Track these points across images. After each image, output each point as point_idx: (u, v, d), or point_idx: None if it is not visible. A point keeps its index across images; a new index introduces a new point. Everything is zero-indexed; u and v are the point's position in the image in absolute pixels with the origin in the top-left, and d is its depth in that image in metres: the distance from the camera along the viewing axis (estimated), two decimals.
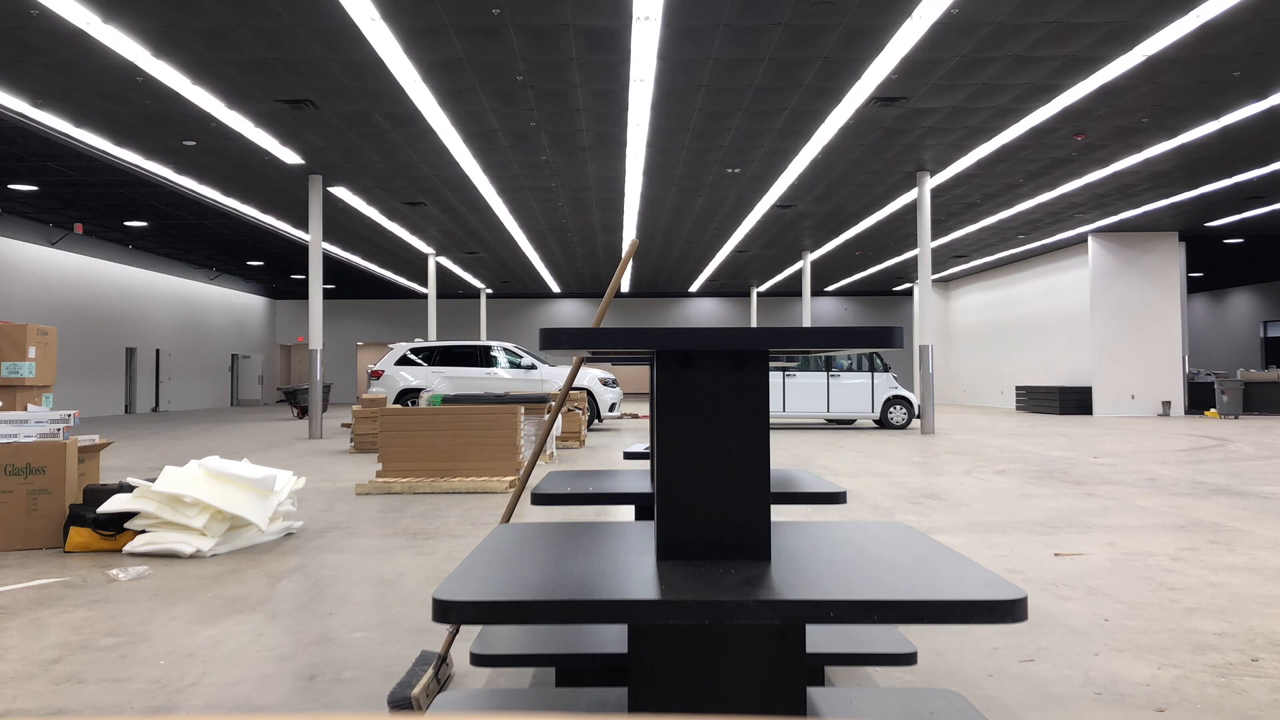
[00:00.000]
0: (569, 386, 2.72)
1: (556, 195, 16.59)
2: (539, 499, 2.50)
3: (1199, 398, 21.96)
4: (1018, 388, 24.28)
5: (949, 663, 2.81)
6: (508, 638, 2.16)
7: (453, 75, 10.07)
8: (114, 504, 4.76)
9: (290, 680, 2.69)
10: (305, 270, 29.04)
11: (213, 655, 2.94)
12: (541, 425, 9.73)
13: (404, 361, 16.20)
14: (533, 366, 16.07)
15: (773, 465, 9.46)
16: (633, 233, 20.70)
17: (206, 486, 4.79)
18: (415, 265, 26.07)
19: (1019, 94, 10.91)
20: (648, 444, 3.58)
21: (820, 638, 2.15)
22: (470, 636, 3.12)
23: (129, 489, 4.97)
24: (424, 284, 30.64)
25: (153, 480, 4.88)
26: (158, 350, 26.61)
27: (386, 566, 4.38)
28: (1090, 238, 21.63)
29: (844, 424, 18.33)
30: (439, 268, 26.75)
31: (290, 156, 13.64)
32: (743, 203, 17.44)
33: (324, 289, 34.25)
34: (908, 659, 2.04)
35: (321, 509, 6.42)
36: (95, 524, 4.81)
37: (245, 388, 32.86)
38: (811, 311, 34.61)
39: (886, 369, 16.49)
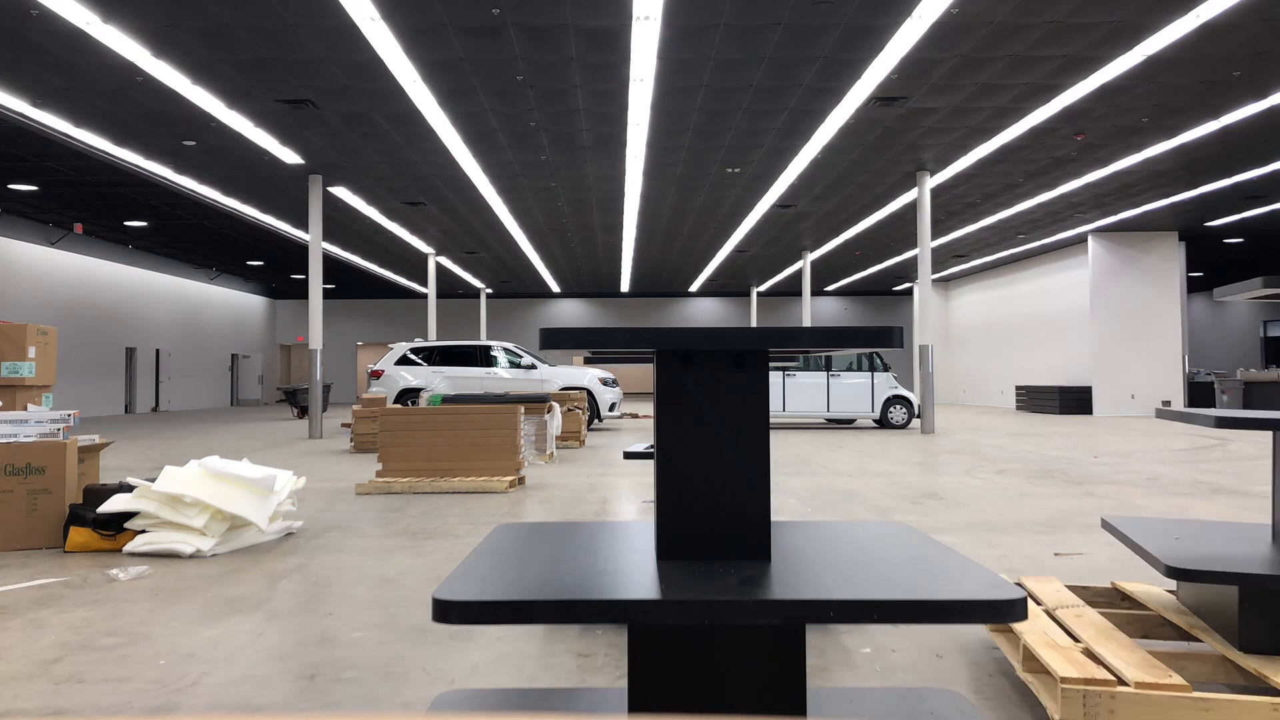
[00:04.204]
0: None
1: (556, 195, 16.59)
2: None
3: (1199, 397, 21.96)
4: (1018, 387, 24.28)
5: (949, 663, 2.81)
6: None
7: (453, 75, 10.07)
8: (114, 504, 4.76)
9: (290, 680, 2.69)
10: (305, 270, 29.04)
11: (213, 655, 2.94)
12: (540, 425, 9.73)
13: (404, 361, 16.20)
14: (533, 366, 16.07)
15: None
16: (633, 232, 20.71)
17: (206, 486, 4.79)
18: (415, 265, 26.07)
19: (1019, 94, 10.91)
20: (646, 444, 3.58)
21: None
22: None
23: (129, 489, 4.97)
24: (424, 284, 30.63)
25: (153, 480, 4.88)
26: (158, 350, 26.61)
27: (386, 566, 4.38)
28: (1090, 237, 21.63)
29: (844, 424, 18.33)
30: (439, 268, 26.75)
31: (290, 156, 13.64)
32: (743, 203, 17.44)
33: (324, 289, 34.24)
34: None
35: (321, 509, 6.42)
36: (95, 524, 4.81)
37: (245, 388, 32.85)
38: (811, 311, 34.60)
39: (886, 369, 16.49)
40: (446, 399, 10.15)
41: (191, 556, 4.60)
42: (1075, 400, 21.67)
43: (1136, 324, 21.57)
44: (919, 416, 16.07)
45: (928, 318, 15.28)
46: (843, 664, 2.79)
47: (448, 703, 1.92)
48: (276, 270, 29.16)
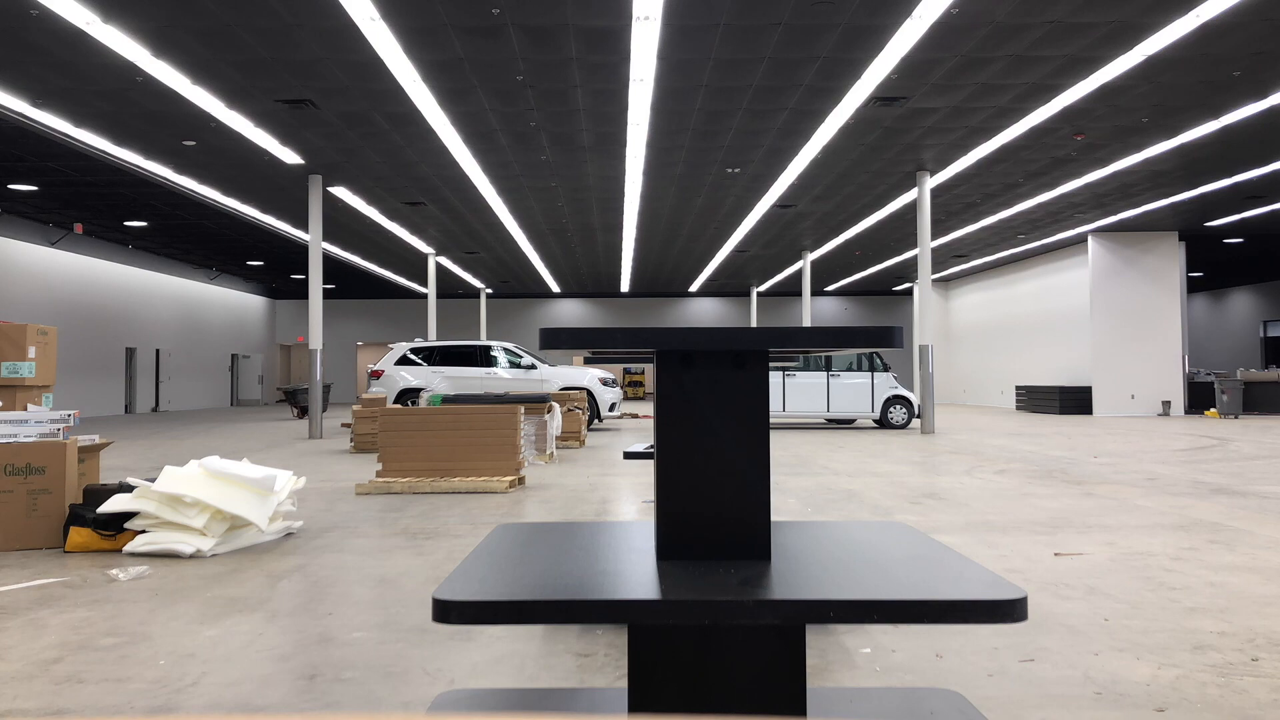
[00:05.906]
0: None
1: (556, 195, 16.59)
2: None
3: (1199, 397, 21.96)
4: (1018, 387, 24.27)
5: (949, 663, 2.81)
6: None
7: (453, 75, 10.07)
8: (114, 504, 4.76)
9: (290, 680, 2.69)
10: (305, 270, 29.04)
11: (213, 655, 2.94)
12: (540, 425, 9.73)
13: (404, 361, 16.20)
14: (533, 366, 16.07)
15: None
16: (633, 232, 20.70)
17: (206, 486, 4.79)
18: (415, 265, 26.07)
19: (1019, 94, 10.91)
20: (646, 444, 3.58)
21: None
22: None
23: (129, 489, 4.97)
24: (424, 284, 30.63)
25: (153, 480, 4.87)
26: (158, 350, 26.61)
27: (386, 566, 4.38)
28: (1090, 237, 21.63)
29: (844, 424, 18.33)
30: (439, 268, 26.75)
31: (290, 156, 13.63)
32: (743, 203, 17.43)
33: (324, 289, 34.24)
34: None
35: (321, 509, 6.42)
36: (95, 524, 4.81)
37: (245, 388, 32.85)
38: (811, 311, 34.60)
39: (886, 369, 16.49)
40: (446, 399, 10.15)
41: (191, 556, 4.60)
42: (1075, 400, 21.67)
43: (1136, 324, 21.57)
44: (919, 416, 16.07)
45: (928, 318, 15.27)
46: (843, 664, 2.79)
47: (448, 703, 1.91)
48: (276, 270, 29.16)
